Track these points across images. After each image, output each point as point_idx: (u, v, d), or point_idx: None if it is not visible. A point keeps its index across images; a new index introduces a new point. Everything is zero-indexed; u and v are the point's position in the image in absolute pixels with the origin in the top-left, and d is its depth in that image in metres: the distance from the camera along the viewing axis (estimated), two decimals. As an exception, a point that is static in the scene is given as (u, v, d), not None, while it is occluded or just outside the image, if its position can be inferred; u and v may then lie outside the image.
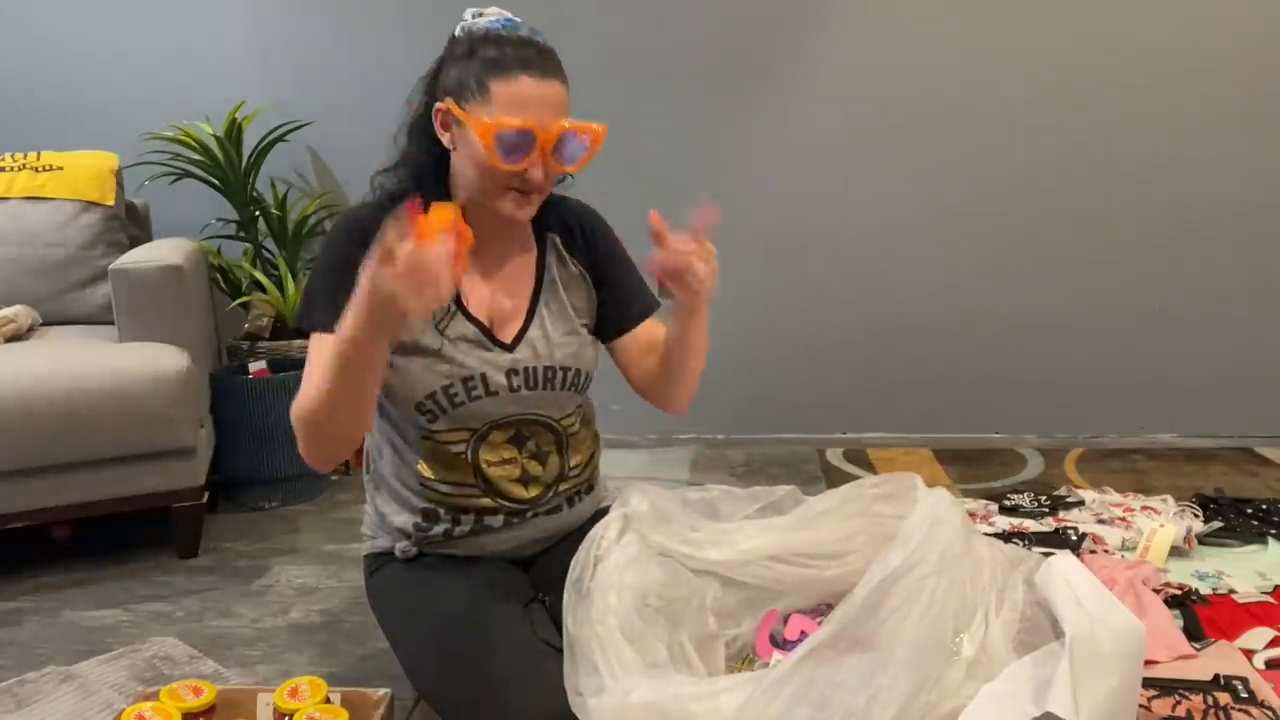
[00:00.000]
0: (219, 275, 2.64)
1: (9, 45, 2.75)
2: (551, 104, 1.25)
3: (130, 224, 2.59)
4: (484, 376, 1.34)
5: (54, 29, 2.75)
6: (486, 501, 1.38)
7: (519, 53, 1.25)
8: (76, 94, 2.77)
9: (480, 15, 1.32)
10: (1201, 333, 2.77)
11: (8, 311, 2.26)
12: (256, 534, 2.28)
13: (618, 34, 2.70)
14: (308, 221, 2.69)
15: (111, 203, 2.49)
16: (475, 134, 1.24)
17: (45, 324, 2.37)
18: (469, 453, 1.37)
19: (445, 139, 1.31)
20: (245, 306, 2.59)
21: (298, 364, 2.47)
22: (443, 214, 1.03)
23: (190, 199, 2.64)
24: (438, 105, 1.30)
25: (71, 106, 2.77)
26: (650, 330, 1.46)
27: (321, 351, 1.22)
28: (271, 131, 2.62)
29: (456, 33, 1.32)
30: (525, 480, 1.40)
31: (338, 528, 2.31)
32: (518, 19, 1.33)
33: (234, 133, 2.58)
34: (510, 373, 1.35)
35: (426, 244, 1.01)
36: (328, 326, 1.19)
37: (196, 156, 2.56)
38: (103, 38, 2.75)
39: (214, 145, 2.57)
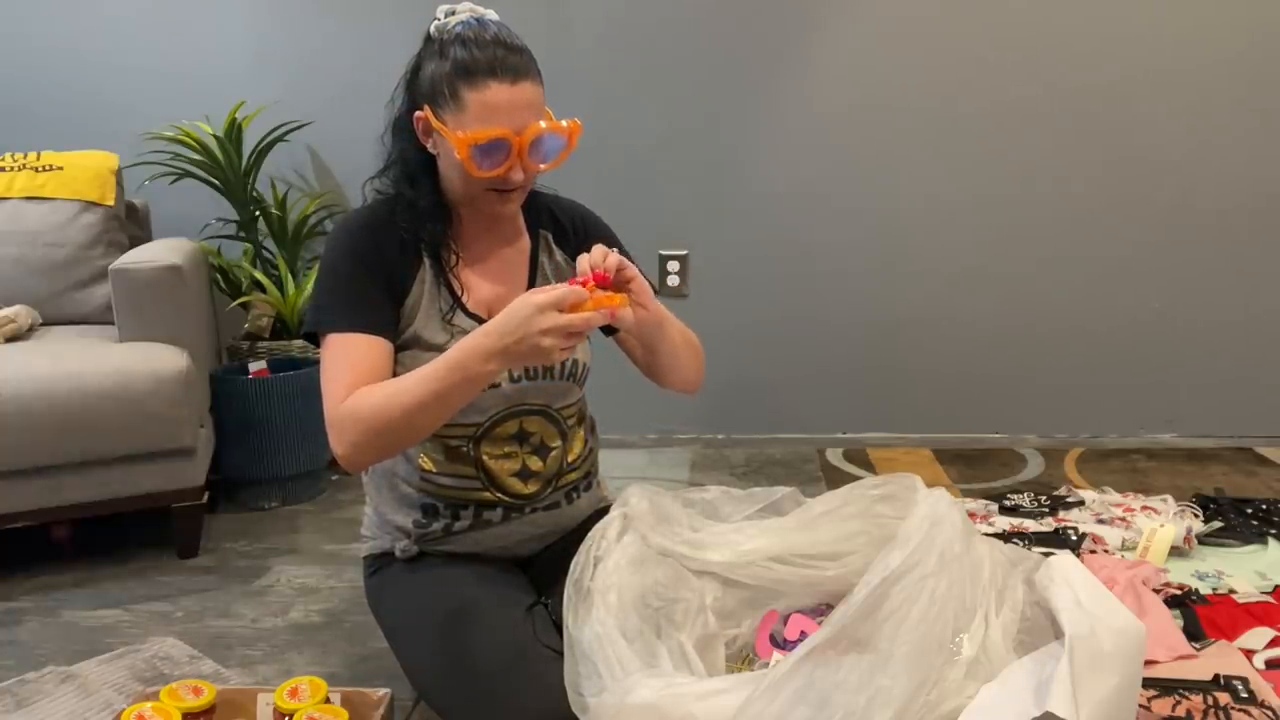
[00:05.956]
0: (219, 275, 2.64)
1: (9, 45, 2.75)
2: (524, 106, 1.27)
3: (130, 224, 2.59)
4: None
5: (54, 29, 2.75)
6: (486, 495, 1.39)
7: (489, 56, 1.25)
8: (76, 94, 2.76)
9: (452, 14, 1.32)
10: (1201, 333, 2.77)
11: (8, 311, 2.26)
12: (256, 534, 2.28)
13: (616, 26, 2.69)
14: (308, 221, 2.69)
15: (111, 203, 2.49)
16: (452, 146, 1.26)
17: (45, 324, 2.37)
18: (470, 446, 1.37)
19: (428, 144, 1.34)
20: (245, 306, 2.59)
21: (298, 364, 2.48)
22: (610, 301, 1.17)
23: (190, 199, 2.64)
24: (417, 114, 1.32)
25: (71, 106, 2.76)
26: None
27: (351, 353, 1.27)
28: (271, 131, 2.62)
29: (430, 31, 1.32)
30: (524, 475, 1.40)
31: (338, 528, 2.30)
32: (489, 15, 1.32)
33: (234, 133, 2.58)
34: None
35: (590, 317, 1.16)
36: (341, 328, 1.28)
37: (196, 156, 2.56)
38: (103, 38, 2.75)
39: (214, 145, 2.57)
